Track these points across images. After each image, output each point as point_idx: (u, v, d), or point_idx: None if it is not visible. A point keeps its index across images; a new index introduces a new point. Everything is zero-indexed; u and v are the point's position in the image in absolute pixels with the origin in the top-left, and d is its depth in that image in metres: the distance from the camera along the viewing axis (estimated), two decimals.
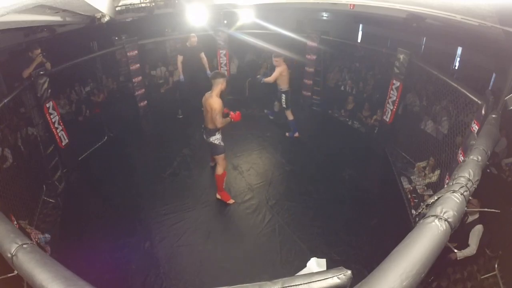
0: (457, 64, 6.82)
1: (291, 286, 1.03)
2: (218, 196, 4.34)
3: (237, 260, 3.54)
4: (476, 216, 3.18)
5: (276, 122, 6.35)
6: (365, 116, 6.42)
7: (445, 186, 1.83)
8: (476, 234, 3.12)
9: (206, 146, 4.40)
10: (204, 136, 4.11)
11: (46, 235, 3.71)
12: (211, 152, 4.41)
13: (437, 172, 4.44)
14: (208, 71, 6.32)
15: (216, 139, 4.03)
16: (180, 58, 6.07)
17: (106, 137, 5.90)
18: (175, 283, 3.30)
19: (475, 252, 3.11)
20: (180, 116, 6.70)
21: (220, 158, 4.13)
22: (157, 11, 5.66)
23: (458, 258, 3.12)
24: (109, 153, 5.53)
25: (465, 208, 1.47)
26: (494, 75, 5.68)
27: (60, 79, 5.35)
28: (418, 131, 5.24)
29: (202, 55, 6.22)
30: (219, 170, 4.17)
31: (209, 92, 3.87)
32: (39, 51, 4.33)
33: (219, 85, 3.81)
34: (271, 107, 6.58)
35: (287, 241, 3.76)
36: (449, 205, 1.37)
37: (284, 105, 5.65)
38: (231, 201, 4.31)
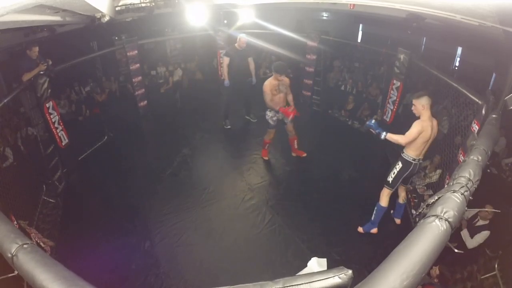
0: (457, 64, 6.82)
1: (292, 285, 1.03)
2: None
3: (237, 260, 3.53)
4: (487, 222, 3.19)
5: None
6: (365, 116, 6.41)
7: (446, 186, 1.83)
8: (481, 236, 3.15)
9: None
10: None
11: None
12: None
13: (438, 172, 4.43)
14: (254, 79, 5.71)
15: (266, 115, 4.73)
16: (226, 60, 5.42)
17: (106, 137, 5.89)
18: (175, 283, 3.30)
19: (471, 247, 3.17)
20: (228, 127, 6.01)
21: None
22: (157, 11, 5.64)
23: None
24: (109, 153, 5.53)
25: (466, 208, 1.47)
26: (494, 75, 5.67)
27: (60, 79, 5.34)
28: None
29: (250, 60, 5.61)
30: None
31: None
32: (37, 48, 4.33)
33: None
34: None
35: (287, 241, 3.76)
36: (449, 205, 1.38)
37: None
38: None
